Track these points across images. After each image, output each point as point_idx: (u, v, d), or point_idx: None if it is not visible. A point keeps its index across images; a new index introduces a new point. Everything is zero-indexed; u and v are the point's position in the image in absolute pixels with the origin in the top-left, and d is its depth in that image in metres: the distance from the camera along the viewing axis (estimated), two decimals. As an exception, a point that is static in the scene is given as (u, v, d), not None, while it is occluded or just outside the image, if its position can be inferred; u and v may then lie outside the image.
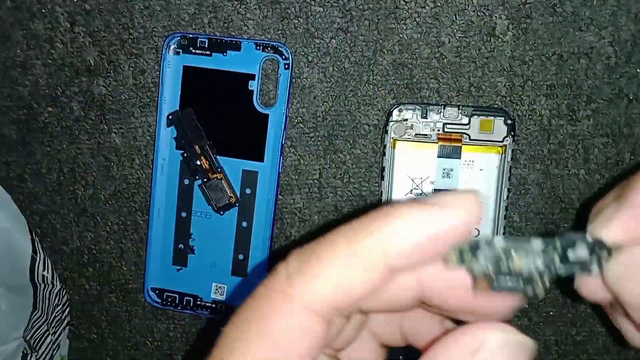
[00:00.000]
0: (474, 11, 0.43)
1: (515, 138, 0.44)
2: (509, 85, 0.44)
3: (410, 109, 0.44)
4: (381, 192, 0.45)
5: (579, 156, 0.45)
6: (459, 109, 0.44)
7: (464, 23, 0.43)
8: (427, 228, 0.17)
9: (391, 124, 0.44)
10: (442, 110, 0.44)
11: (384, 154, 0.44)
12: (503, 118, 0.44)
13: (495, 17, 0.43)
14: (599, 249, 0.20)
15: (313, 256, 0.18)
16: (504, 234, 0.45)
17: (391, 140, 0.44)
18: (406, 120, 0.44)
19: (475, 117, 0.44)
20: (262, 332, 0.18)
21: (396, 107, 0.44)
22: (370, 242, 0.18)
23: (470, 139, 0.44)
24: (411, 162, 0.44)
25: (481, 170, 0.44)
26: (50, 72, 0.47)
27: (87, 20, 0.46)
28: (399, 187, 0.45)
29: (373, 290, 0.18)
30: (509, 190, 0.44)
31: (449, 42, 0.44)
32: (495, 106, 0.44)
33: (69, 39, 0.46)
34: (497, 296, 0.19)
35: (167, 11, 0.45)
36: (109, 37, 0.46)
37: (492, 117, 0.44)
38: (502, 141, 0.44)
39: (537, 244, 0.19)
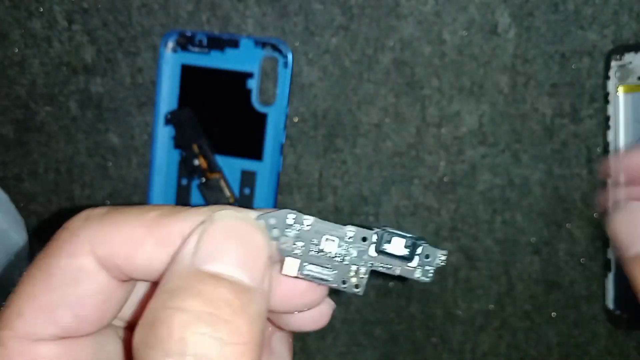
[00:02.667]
0: (475, 9, 0.43)
1: None
2: (511, 83, 0.44)
3: (632, 51, 0.41)
4: (607, 143, 0.43)
5: (582, 156, 0.44)
6: None
7: (465, 21, 0.43)
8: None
9: (613, 68, 0.41)
10: None
11: (607, 102, 0.42)
12: None
13: (498, 15, 0.43)
14: (422, 250, 0.18)
15: (122, 211, 0.18)
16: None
17: (615, 85, 0.42)
18: (630, 63, 0.41)
19: None
20: (44, 270, 0.18)
21: (616, 51, 0.41)
22: (174, 228, 0.17)
23: None
24: (639, 107, 0.41)
25: None
26: (47, 70, 0.46)
27: (84, 19, 0.45)
28: (628, 135, 0.42)
29: (163, 264, 0.17)
30: None
31: (450, 40, 0.43)
32: None
33: (66, 38, 0.46)
34: (305, 283, 0.19)
35: (164, 9, 0.45)
36: (106, 36, 0.45)
37: None
38: None
39: (350, 230, 0.18)
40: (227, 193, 0.45)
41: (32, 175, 0.48)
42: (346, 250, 0.18)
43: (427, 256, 0.19)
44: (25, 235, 0.46)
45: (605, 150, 0.44)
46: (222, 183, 0.45)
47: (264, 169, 0.45)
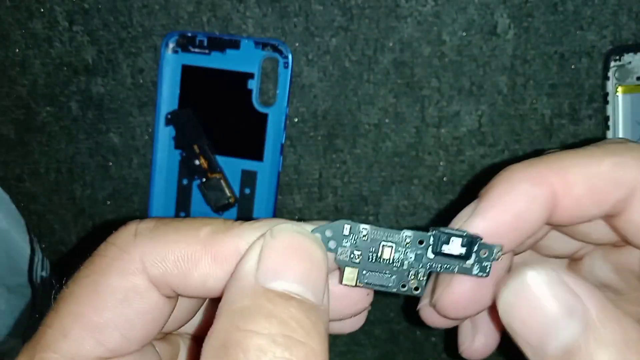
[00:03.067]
0: (475, 10, 0.43)
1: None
2: (510, 84, 0.44)
3: (631, 51, 0.41)
4: None
5: (581, 156, 0.44)
6: None
7: (465, 21, 0.43)
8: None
9: (612, 68, 0.42)
10: None
11: (607, 102, 0.42)
12: None
13: (497, 15, 0.43)
14: (478, 247, 0.19)
15: (172, 226, 0.17)
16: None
17: (614, 86, 0.42)
18: (629, 63, 0.41)
19: None
20: (92, 289, 0.17)
21: (615, 51, 0.41)
22: (231, 245, 0.17)
23: None
24: (638, 108, 0.41)
25: None
26: (48, 71, 0.46)
27: (85, 19, 0.45)
28: (627, 136, 0.42)
29: (218, 281, 0.17)
30: None
31: (450, 41, 0.44)
32: None
33: (67, 38, 0.46)
34: (358, 291, 0.18)
35: (165, 10, 0.45)
36: (107, 36, 0.45)
37: None
38: None
39: (407, 235, 0.18)
40: (228, 193, 0.45)
41: (33, 176, 0.48)
42: (404, 255, 0.18)
43: (482, 252, 0.19)
44: (26, 235, 0.46)
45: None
46: (223, 183, 0.45)
47: (264, 169, 0.45)
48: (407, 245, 0.18)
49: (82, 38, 0.46)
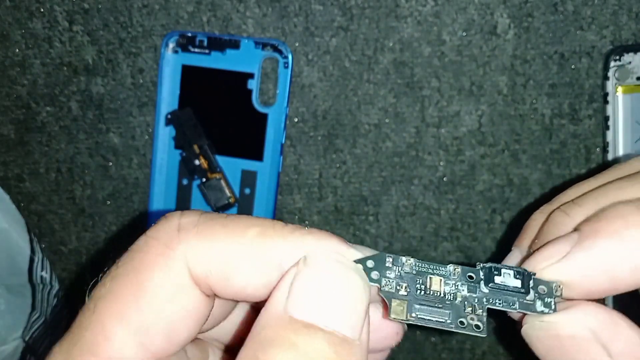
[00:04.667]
0: (475, 10, 0.43)
1: None
2: (510, 84, 0.44)
3: (631, 51, 0.41)
4: (607, 143, 0.43)
5: (581, 156, 0.44)
6: None
7: (465, 21, 0.43)
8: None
9: (612, 68, 0.41)
10: None
11: (607, 102, 0.42)
12: None
13: (497, 15, 0.43)
14: (534, 282, 0.17)
15: (219, 222, 0.16)
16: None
17: (614, 86, 0.42)
18: (629, 63, 0.41)
19: None
20: (134, 287, 0.15)
21: (615, 52, 0.41)
22: (274, 257, 0.16)
23: None
24: (638, 108, 0.41)
25: None
26: (48, 71, 0.46)
27: (85, 19, 0.45)
28: (627, 136, 0.42)
29: (257, 290, 0.16)
30: None
31: (450, 41, 0.44)
32: None
33: (67, 38, 0.46)
34: (393, 326, 0.17)
35: (165, 10, 0.45)
36: (107, 36, 0.45)
37: None
38: None
39: (455, 268, 0.17)
40: (228, 193, 0.45)
41: (33, 175, 0.48)
42: (456, 288, 0.17)
43: (541, 289, 0.17)
44: (26, 235, 0.46)
45: (605, 150, 0.44)
46: (223, 183, 0.45)
47: (264, 169, 0.45)
48: (457, 278, 0.17)
49: (82, 38, 0.46)
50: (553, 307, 0.17)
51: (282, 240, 0.16)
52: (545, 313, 0.17)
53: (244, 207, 0.46)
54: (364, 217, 0.46)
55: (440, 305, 0.16)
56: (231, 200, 0.45)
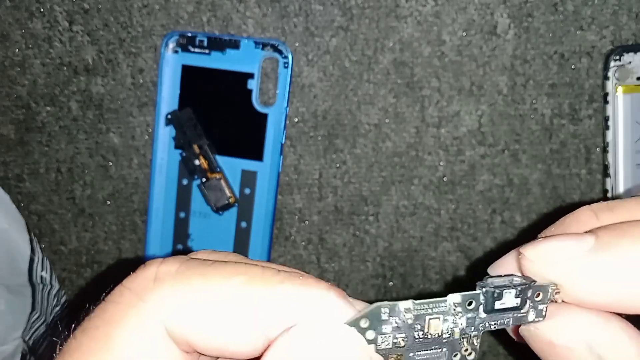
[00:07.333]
0: (475, 10, 0.43)
1: None
2: (510, 84, 0.44)
3: (631, 51, 0.41)
4: (607, 143, 0.43)
5: (581, 156, 0.44)
6: None
7: (465, 21, 0.43)
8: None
9: (612, 68, 0.41)
10: None
11: (607, 102, 0.43)
12: None
13: (497, 15, 0.43)
14: (532, 291, 0.17)
15: (198, 271, 0.15)
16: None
17: (614, 86, 0.42)
18: (629, 63, 0.41)
19: None
20: (104, 342, 0.14)
21: (615, 52, 0.41)
22: (260, 307, 0.14)
23: None
24: (638, 108, 0.41)
25: None
26: (48, 71, 0.46)
27: (85, 19, 0.45)
28: (627, 136, 0.42)
29: (241, 351, 0.15)
30: None
31: (450, 41, 0.44)
32: None
33: (67, 38, 0.46)
34: None
35: (165, 9, 0.45)
36: (107, 36, 0.45)
37: None
38: None
39: (455, 301, 0.16)
40: (228, 193, 0.45)
41: (33, 175, 0.48)
42: (454, 323, 0.16)
43: (537, 295, 0.17)
44: (26, 235, 0.46)
45: (605, 150, 0.44)
46: (223, 183, 0.45)
47: (264, 169, 0.45)
48: (457, 311, 0.16)
49: (82, 38, 0.46)
50: (543, 314, 0.17)
51: (269, 293, 0.15)
52: (536, 322, 0.17)
53: (244, 207, 0.46)
54: (364, 217, 0.46)
55: (437, 346, 0.16)
56: (231, 200, 0.45)
